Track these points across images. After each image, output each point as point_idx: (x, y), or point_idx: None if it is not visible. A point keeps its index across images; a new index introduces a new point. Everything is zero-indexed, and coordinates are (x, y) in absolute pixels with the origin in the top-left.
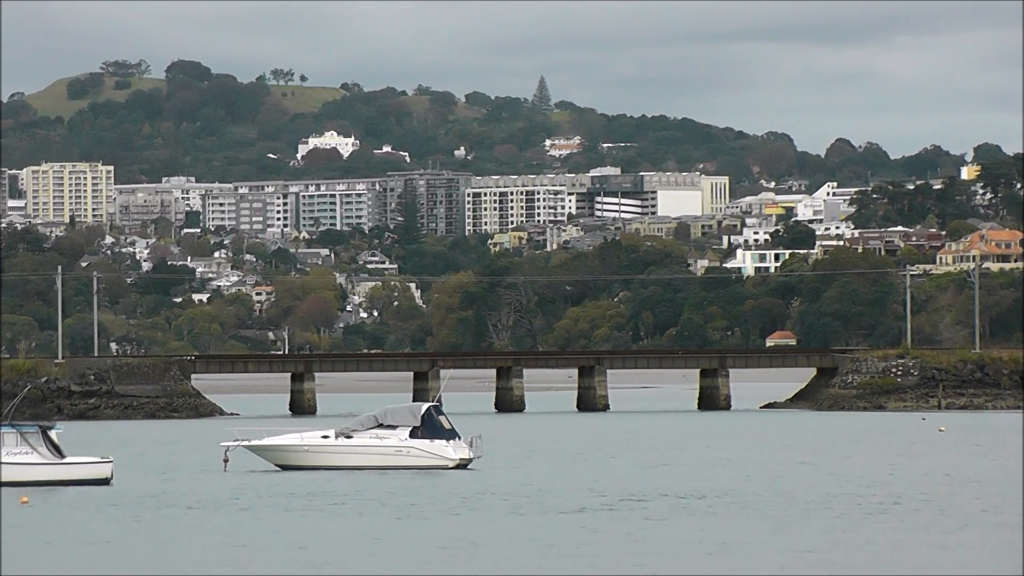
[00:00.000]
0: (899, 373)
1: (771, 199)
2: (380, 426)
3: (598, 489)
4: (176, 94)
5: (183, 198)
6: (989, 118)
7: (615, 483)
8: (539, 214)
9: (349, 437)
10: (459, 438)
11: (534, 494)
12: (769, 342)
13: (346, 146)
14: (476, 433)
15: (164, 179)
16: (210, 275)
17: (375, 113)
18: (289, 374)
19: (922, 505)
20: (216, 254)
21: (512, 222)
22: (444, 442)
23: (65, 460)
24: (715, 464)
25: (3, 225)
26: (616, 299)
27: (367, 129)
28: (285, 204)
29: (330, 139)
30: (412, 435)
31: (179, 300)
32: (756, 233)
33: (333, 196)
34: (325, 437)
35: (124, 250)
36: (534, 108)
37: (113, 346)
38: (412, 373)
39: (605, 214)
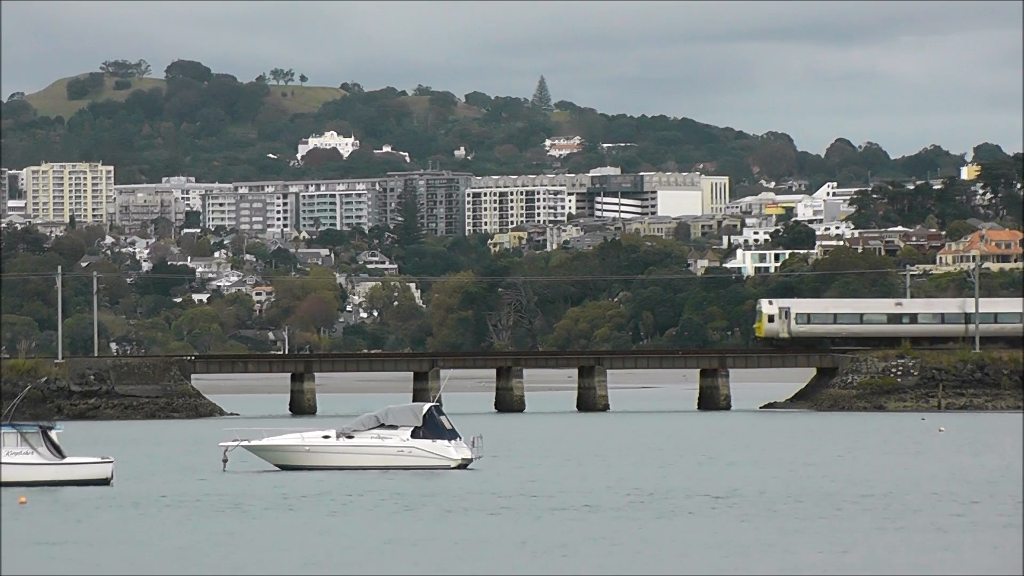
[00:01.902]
0: (899, 373)
1: (771, 199)
2: (381, 426)
3: (602, 489)
4: (176, 94)
5: (183, 198)
6: (989, 118)
7: (619, 483)
8: (539, 214)
9: (350, 437)
10: (460, 438)
11: (536, 494)
12: None
13: (346, 146)
14: (477, 433)
15: (164, 179)
16: (210, 275)
17: (375, 113)
18: (289, 374)
19: (923, 505)
20: (216, 254)
21: (512, 222)
22: (446, 442)
23: (65, 460)
24: (718, 464)
25: (3, 225)
26: (616, 299)
27: (367, 129)
28: (285, 204)
29: (330, 139)
30: (414, 435)
31: (179, 300)
32: (756, 233)
33: (333, 196)
34: (326, 437)
35: (124, 250)
36: (534, 108)
37: (113, 346)
38: (412, 373)
39: (605, 214)
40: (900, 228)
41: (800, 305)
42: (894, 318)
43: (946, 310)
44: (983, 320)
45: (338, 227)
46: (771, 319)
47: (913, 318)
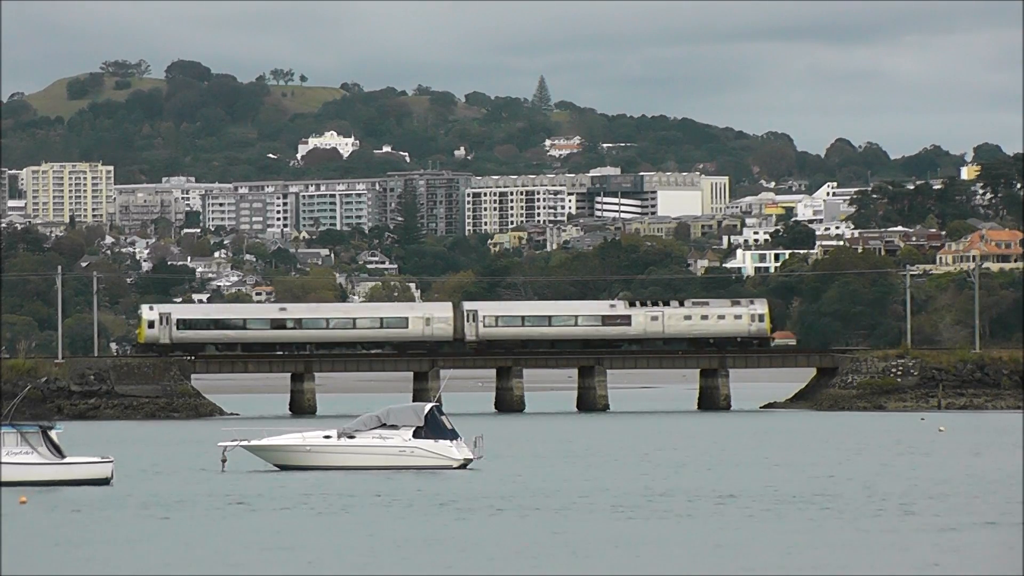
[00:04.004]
0: (899, 373)
1: (771, 199)
2: (383, 426)
3: (606, 489)
4: (176, 94)
5: (183, 198)
6: (989, 118)
7: (621, 483)
8: (539, 214)
9: (352, 437)
10: (460, 438)
11: (540, 494)
12: None
13: (346, 146)
14: (478, 433)
15: (164, 179)
16: (210, 275)
17: (375, 113)
18: (289, 374)
19: (923, 505)
20: (216, 254)
21: (512, 222)
22: (448, 442)
23: (65, 460)
24: (720, 464)
25: (3, 225)
26: (616, 299)
27: (367, 129)
28: (285, 204)
29: (330, 139)
30: (415, 435)
31: (179, 300)
32: (756, 233)
33: (333, 196)
34: (327, 437)
35: (124, 250)
36: (534, 108)
37: (113, 346)
38: (412, 373)
39: (605, 214)
40: (900, 228)
41: (180, 311)
42: (278, 323)
43: (263, 315)
44: (259, 326)
45: (338, 227)
46: (151, 325)
47: (298, 323)
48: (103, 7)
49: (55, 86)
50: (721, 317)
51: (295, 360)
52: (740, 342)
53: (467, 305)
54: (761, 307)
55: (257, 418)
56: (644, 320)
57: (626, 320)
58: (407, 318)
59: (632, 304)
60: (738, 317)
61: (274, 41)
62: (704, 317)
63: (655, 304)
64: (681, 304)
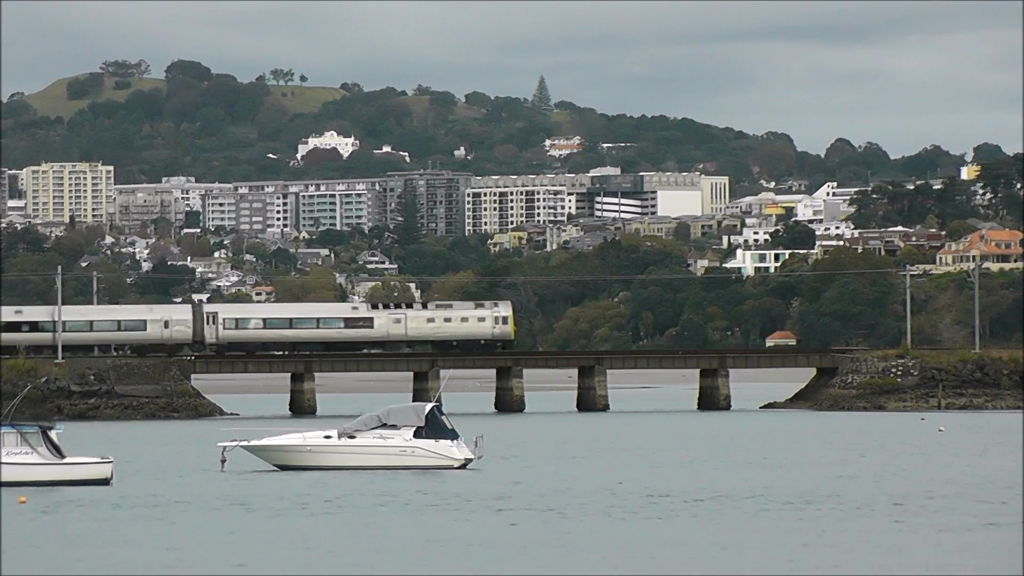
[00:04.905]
0: (899, 373)
1: (771, 199)
2: (383, 426)
3: (606, 489)
4: (176, 94)
5: (183, 198)
6: (989, 118)
7: (622, 483)
8: (539, 214)
9: (352, 437)
10: (460, 438)
11: (540, 494)
12: (769, 342)
13: (346, 146)
14: (479, 433)
15: (164, 179)
16: (210, 275)
17: (375, 113)
18: (289, 374)
19: (923, 505)
20: (216, 254)
21: (512, 222)
22: (449, 442)
23: (65, 460)
24: (719, 464)
25: (3, 225)
26: (616, 299)
27: (367, 129)
28: (285, 204)
29: (330, 139)
30: (416, 435)
31: (179, 300)
32: (756, 233)
33: (333, 196)
34: (327, 437)
35: (124, 250)
36: (534, 108)
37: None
38: (412, 373)
39: (605, 214)
40: (900, 228)
41: None
42: (12, 326)
43: None
44: None
45: (338, 227)
46: None
47: (34, 326)
48: (103, 7)
49: (55, 86)
50: (464, 320)
51: (295, 360)
52: (484, 344)
53: (207, 308)
54: (505, 309)
55: (257, 418)
56: (386, 322)
57: (368, 322)
58: (145, 320)
59: (375, 306)
60: (481, 320)
61: (274, 41)
62: (447, 320)
63: (398, 306)
64: (424, 306)
